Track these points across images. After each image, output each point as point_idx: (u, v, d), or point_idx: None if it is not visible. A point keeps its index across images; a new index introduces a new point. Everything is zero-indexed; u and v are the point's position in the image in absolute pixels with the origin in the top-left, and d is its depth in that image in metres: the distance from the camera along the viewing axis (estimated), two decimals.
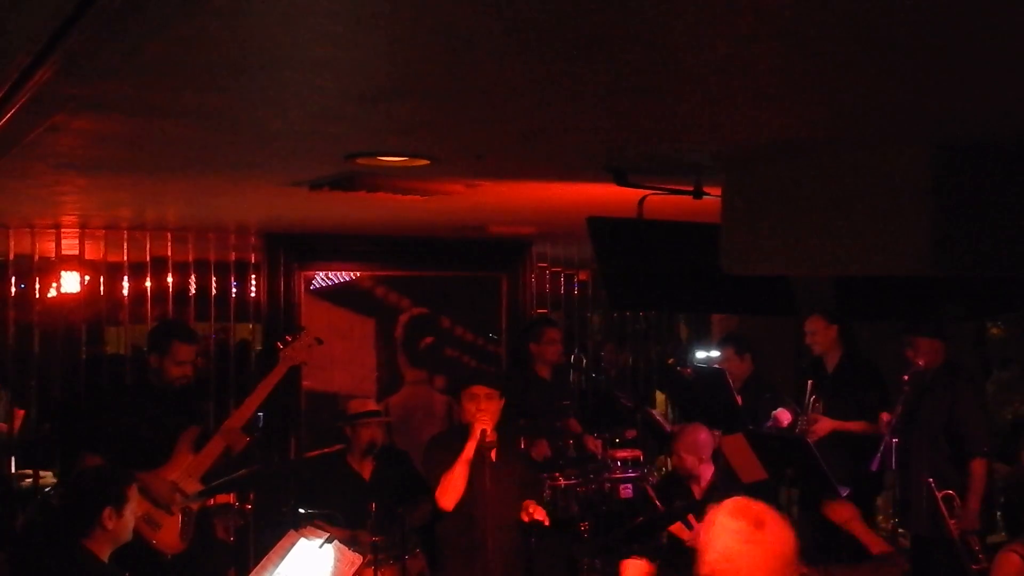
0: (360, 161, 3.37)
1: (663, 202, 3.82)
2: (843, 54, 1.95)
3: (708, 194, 3.66)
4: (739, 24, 1.76)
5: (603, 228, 3.79)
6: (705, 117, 2.64)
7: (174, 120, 2.72)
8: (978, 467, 5.41)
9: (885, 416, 5.80)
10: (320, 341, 5.69)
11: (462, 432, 4.91)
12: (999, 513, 5.79)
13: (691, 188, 3.66)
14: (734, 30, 1.80)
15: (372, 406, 5.68)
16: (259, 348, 7.10)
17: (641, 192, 3.68)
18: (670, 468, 7.12)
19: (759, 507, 2.92)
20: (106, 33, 1.79)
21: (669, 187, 3.68)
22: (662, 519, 5.01)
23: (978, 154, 2.85)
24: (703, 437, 5.35)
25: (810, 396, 6.04)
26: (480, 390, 4.88)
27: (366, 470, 5.47)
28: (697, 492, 5.20)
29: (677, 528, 4.90)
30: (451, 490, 4.81)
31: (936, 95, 2.30)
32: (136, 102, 2.46)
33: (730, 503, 2.94)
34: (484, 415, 4.79)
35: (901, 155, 2.89)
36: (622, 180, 3.50)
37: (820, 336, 6.20)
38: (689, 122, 2.70)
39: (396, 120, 2.76)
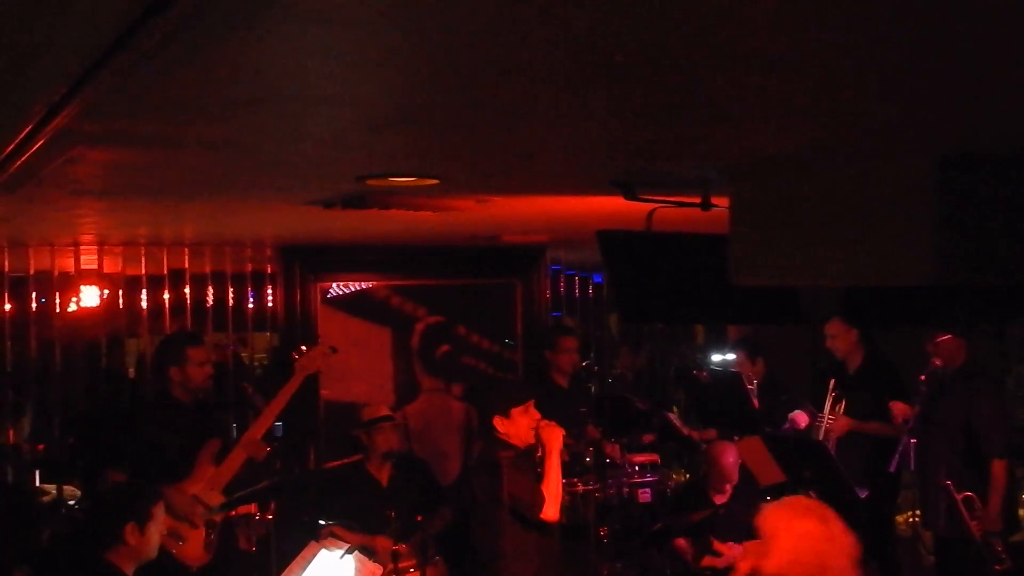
0: (371, 182, 3.42)
1: (672, 213, 3.85)
2: (842, 74, 1.98)
3: (716, 206, 3.69)
4: (741, 48, 1.80)
5: (613, 241, 3.83)
6: (709, 138, 2.68)
7: (190, 151, 2.78)
8: (998, 468, 5.34)
9: (900, 407, 5.78)
10: (334, 350, 5.74)
11: (502, 444, 4.85)
12: (1022, 512, 5.77)
13: (698, 200, 3.69)
14: (736, 53, 1.84)
15: (384, 411, 5.73)
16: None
17: (650, 205, 3.72)
18: (685, 478, 7.18)
19: (818, 504, 2.93)
20: (128, 75, 1.84)
21: (676, 200, 3.71)
22: (681, 526, 5.05)
23: (980, 163, 2.87)
24: (732, 461, 5.57)
25: (831, 394, 6.04)
26: (531, 403, 4.91)
27: (384, 476, 5.53)
28: (718, 500, 5.23)
29: (709, 561, 4.99)
30: (557, 499, 4.77)
31: (936, 107, 2.32)
32: (154, 135, 2.53)
33: (790, 502, 2.94)
34: (550, 422, 4.81)
35: (904, 166, 2.91)
36: (630, 195, 3.54)
37: (841, 340, 6.17)
38: (694, 142, 2.75)
39: (405, 146, 2.81)
